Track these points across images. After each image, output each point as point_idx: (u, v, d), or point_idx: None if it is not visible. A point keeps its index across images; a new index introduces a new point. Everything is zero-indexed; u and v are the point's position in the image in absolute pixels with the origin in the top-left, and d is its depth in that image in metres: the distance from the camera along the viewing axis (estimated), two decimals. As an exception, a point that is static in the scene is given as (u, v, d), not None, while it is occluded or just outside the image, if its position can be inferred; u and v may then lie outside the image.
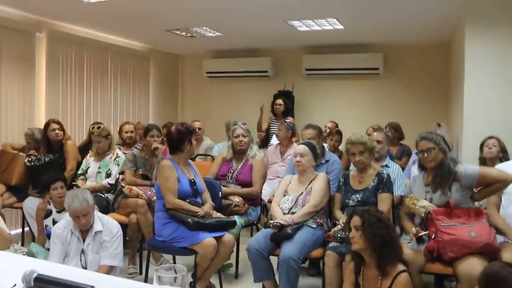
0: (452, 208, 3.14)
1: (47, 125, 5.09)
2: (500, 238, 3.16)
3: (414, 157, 5.28)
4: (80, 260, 3.37)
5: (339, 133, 6.09)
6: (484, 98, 4.81)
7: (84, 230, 3.40)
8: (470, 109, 4.87)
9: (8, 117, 5.79)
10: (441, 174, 3.29)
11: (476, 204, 3.48)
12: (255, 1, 5.28)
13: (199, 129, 6.62)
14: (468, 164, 3.39)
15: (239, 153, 4.45)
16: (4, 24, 5.69)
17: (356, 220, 2.77)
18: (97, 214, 3.50)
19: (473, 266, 2.86)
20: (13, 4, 5.64)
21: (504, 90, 4.74)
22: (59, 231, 3.41)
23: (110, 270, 3.36)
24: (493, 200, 3.42)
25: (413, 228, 3.18)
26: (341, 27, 6.42)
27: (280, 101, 7.16)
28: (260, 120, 7.29)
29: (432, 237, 3.08)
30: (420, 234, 3.08)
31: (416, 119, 7.20)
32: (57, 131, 5.04)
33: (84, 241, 3.39)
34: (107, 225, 3.45)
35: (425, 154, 3.33)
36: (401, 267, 2.68)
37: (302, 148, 3.86)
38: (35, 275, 1.50)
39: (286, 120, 6.75)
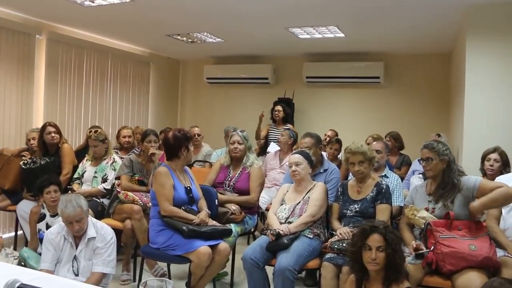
0: (452, 220, 3.09)
1: (43, 128, 5.04)
2: (499, 252, 3.11)
3: (413, 167, 5.24)
4: (72, 266, 3.31)
5: (339, 142, 6.05)
6: (485, 107, 4.77)
7: (78, 236, 3.35)
8: (470, 119, 4.82)
9: (5, 119, 5.75)
10: (443, 186, 3.24)
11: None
12: (256, 8, 5.26)
13: (198, 135, 6.57)
14: (471, 175, 3.32)
15: (235, 160, 4.40)
16: (4, 26, 5.67)
17: (378, 240, 2.65)
18: (91, 220, 3.45)
19: (472, 280, 2.81)
20: (13, 6, 5.62)
21: (505, 99, 4.69)
22: (51, 237, 3.36)
23: (102, 277, 3.30)
24: (493, 212, 3.38)
25: (413, 242, 3.12)
26: (342, 35, 6.40)
27: (279, 107, 7.12)
28: (258, 128, 7.26)
29: (431, 249, 3.03)
30: (420, 252, 3.02)
31: (416, 129, 7.18)
32: (53, 134, 4.99)
33: (77, 247, 3.34)
34: (101, 231, 3.39)
35: (424, 163, 3.30)
36: (406, 283, 2.65)
37: (297, 157, 3.82)
38: (17, 284, 1.44)
39: (287, 127, 6.72)
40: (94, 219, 3.52)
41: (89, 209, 3.78)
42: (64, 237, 3.34)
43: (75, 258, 3.31)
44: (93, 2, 5.22)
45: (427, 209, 3.27)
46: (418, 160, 4.07)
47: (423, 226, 3.16)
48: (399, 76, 7.74)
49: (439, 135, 5.79)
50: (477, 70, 4.82)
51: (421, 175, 4.46)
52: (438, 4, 4.83)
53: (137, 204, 4.34)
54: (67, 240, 3.34)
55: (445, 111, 7.22)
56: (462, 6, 4.83)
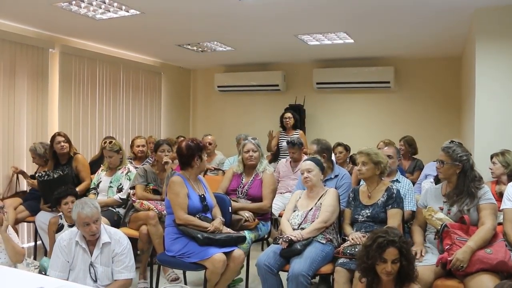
0: (469, 225, 3.11)
1: (52, 138, 5.14)
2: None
3: (425, 171, 5.24)
4: (90, 272, 3.33)
5: (341, 145, 6.13)
6: (495, 110, 4.77)
7: (91, 242, 3.36)
8: (481, 122, 4.83)
9: (21, 132, 5.87)
10: (457, 192, 3.26)
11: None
12: (265, 16, 5.32)
13: (209, 143, 6.61)
14: (488, 191, 3.27)
15: (249, 168, 4.45)
16: (18, 41, 5.81)
17: (394, 253, 2.63)
18: (103, 226, 3.46)
19: (484, 282, 2.83)
20: (27, 21, 5.75)
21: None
22: (63, 243, 3.33)
23: (129, 283, 3.35)
24: (510, 217, 3.36)
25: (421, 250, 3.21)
26: (351, 41, 6.44)
27: (288, 114, 7.12)
28: (269, 144, 7.22)
29: (446, 248, 3.05)
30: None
31: (427, 133, 7.17)
32: (62, 144, 5.07)
33: (91, 253, 3.33)
34: (115, 236, 3.39)
35: (438, 164, 3.33)
36: (415, 286, 2.68)
37: (308, 163, 3.86)
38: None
39: (297, 133, 6.76)
40: (106, 225, 3.50)
41: (106, 219, 3.83)
42: (76, 242, 3.32)
43: (91, 264, 3.34)
44: (104, 16, 5.33)
45: (441, 209, 3.29)
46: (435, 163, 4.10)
47: (439, 228, 3.18)
48: (409, 81, 7.74)
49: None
50: (487, 73, 4.82)
51: (432, 180, 4.47)
52: (446, 8, 4.85)
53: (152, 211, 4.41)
54: (79, 245, 3.31)
55: (456, 115, 7.21)
56: (470, 10, 4.85)
